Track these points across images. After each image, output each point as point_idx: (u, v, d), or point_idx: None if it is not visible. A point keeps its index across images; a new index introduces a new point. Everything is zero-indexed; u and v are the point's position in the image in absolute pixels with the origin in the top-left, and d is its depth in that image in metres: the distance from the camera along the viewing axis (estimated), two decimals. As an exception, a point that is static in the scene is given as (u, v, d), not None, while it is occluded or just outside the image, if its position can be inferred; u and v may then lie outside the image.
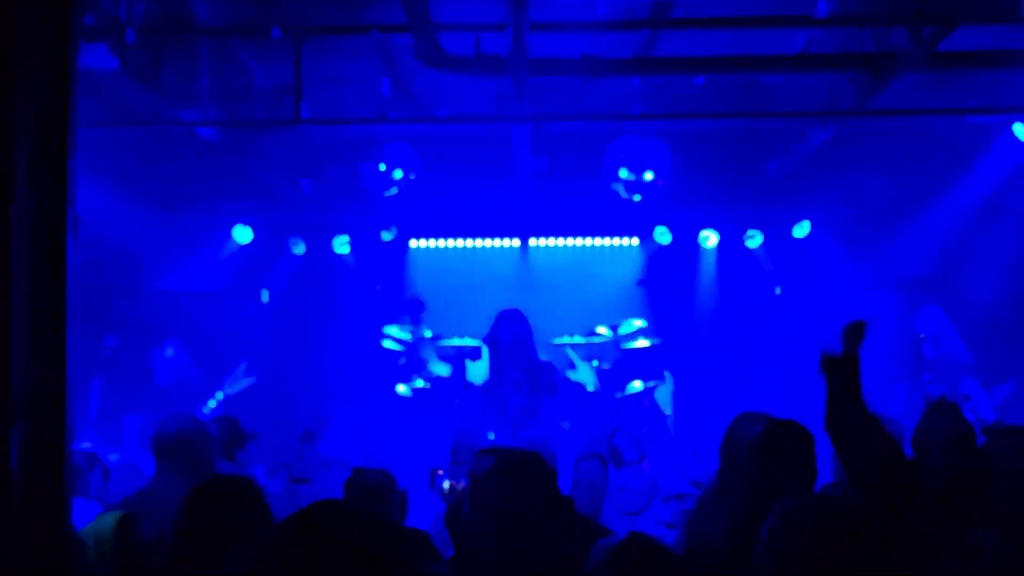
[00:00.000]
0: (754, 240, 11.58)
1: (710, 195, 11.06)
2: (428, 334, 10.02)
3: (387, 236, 11.11)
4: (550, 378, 8.62)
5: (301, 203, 10.72)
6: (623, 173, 10.52)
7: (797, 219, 11.43)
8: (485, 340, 8.59)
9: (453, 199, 10.75)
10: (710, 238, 11.54)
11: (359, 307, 11.11)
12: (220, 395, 8.98)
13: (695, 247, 11.58)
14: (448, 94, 8.77)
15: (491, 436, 7.80)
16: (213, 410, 8.81)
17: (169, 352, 9.69)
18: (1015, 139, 9.60)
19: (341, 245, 11.22)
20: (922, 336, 8.99)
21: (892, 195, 10.61)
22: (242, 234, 11.07)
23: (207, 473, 5.08)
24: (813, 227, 11.41)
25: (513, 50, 7.50)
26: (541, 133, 9.53)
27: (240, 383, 9.33)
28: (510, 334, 8.51)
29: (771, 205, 11.29)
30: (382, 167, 10.05)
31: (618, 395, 9.85)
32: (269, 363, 10.36)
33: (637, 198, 10.47)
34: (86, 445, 7.44)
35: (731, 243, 11.60)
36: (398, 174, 10.10)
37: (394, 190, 10.12)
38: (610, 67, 8.08)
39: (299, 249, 11.22)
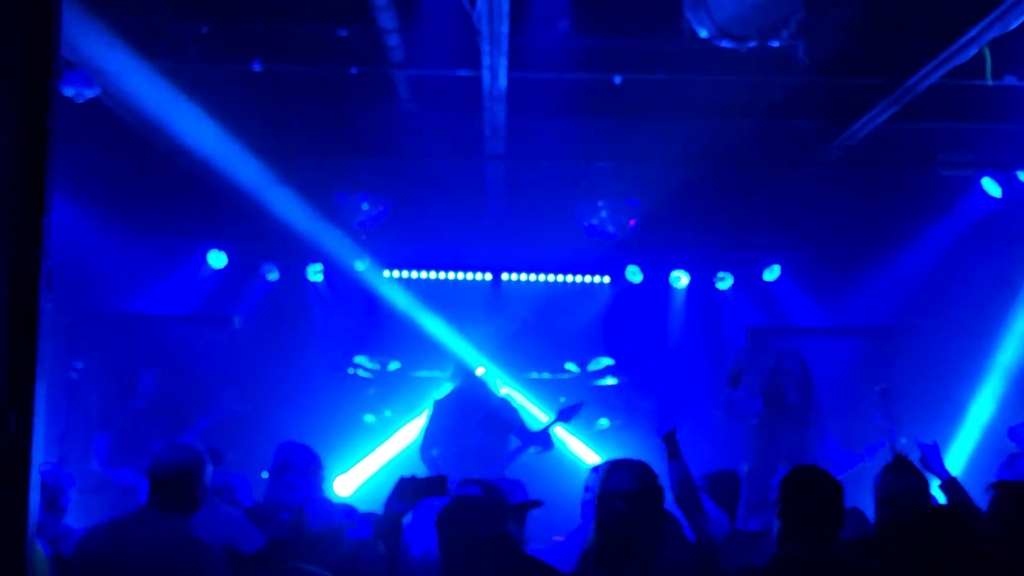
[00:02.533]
0: (724, 282, 11.69)
1: (682, 236, 11.15)
2: (396, 366, 10.09)
3: (361, 266, 11.16)
4: (512, 416, 8.70)
5: (275, 229, 10.75)
6: (595, 212, 10.68)
7: (768, 262, 11.55)
8: (452, 377, 8.68)
9: (427, 232, 10.82)
10: (681, 278, 11.63)
11: (331, 335, 11.14)
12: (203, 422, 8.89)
13: (666, 287, 11.66)
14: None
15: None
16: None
17: (146, 376, 9.68)
18: (984, 193, 9.75)
19: (315, 273, 11.27)
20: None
21: (860, 241, 10.75)
22: (216, 259, 11.10)
23: (197, 506, 5.12)
24: (782, 270, 11.53)
25: (488, 86, 7.61)
26: (515, 171, 9.63)
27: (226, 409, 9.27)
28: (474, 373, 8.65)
29: (742, 248, 11.41)
30: (357, 199, 10.14)
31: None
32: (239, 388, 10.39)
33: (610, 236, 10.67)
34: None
35: (701, 284, 11.70)
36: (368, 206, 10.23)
37: (367, 221, 10.22)
38: (582, 110, 8.21)
39: (272, 275, 11.25)
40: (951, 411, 10.03)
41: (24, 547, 2.73)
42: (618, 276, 11.57)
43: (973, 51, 7.23)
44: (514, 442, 8.59)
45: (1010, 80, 7.50)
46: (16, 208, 2.64)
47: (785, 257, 11.46)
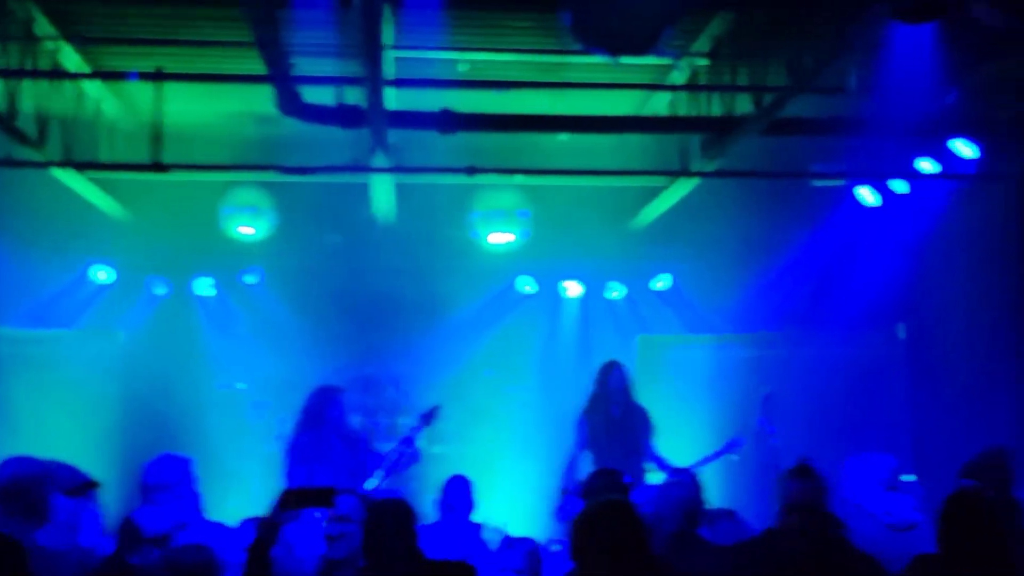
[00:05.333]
0: (616, 292, 11.86)
1: (573, 248, 11.29)
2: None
3: (250, 279, 11.12)
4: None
5: (163, 244, 10.69)
6: (486, 224, 10.81)
7: (658, 272, 11.76)
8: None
9: (311, 245, 10.84)
10: (571, 288, 11.77)
11: (219, 350, 11.08)
12: None
13: (556, 297, 11.80)
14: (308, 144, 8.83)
15: None
16: None
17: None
18: (859, 202, 10.04)
19: (204, 287, 11.19)
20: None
21: (743, 251, 10.99)
22: (99, 273, 10.96)
23: (43, 518, 5.07)
24: (673, 279, 11.75)
25: (370, 103, 7.66)
26: (404, 184, 9.68)
27: None
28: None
29: (635, 258, 11.60)
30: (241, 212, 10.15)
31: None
32: (123, 403, 10.30)
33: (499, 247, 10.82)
34: None
35: (594, 294, 11.86)
36: (257, 219, 10.24)
37: (253, 234, 10.23)
38: (468, 123, 8.29)
39: (160, 290, 11.15)
40: (831, 416, 10.35)
41: None
42: (510, 287, 11.68)
43: (838, 66, 7.51)
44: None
45: (876, 93, 7.74)
46: None
47: (674, 268, 11.69)
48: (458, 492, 7.31)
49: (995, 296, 9.36)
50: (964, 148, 8.74)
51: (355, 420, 9.87)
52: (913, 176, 9.30)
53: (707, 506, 6.67)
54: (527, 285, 11.65)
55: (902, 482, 6.88)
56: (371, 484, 8.24)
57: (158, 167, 8.27)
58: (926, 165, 9.11)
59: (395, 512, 5.20)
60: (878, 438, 9.88)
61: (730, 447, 9.26)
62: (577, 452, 9.29)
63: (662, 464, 9.13)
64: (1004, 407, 9.28)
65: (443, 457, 10.53)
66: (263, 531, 5.29)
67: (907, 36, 6.72)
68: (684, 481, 6.57)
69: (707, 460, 8.97)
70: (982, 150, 8.67)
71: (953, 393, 9.88)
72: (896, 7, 5.67)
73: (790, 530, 5.18)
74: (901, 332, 10.79)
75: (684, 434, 9.93)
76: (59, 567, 4.89)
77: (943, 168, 9.06)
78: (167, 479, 6.15)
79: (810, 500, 5.27)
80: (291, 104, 7.88)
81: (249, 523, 6.35)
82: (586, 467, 9.15)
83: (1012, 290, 9.22)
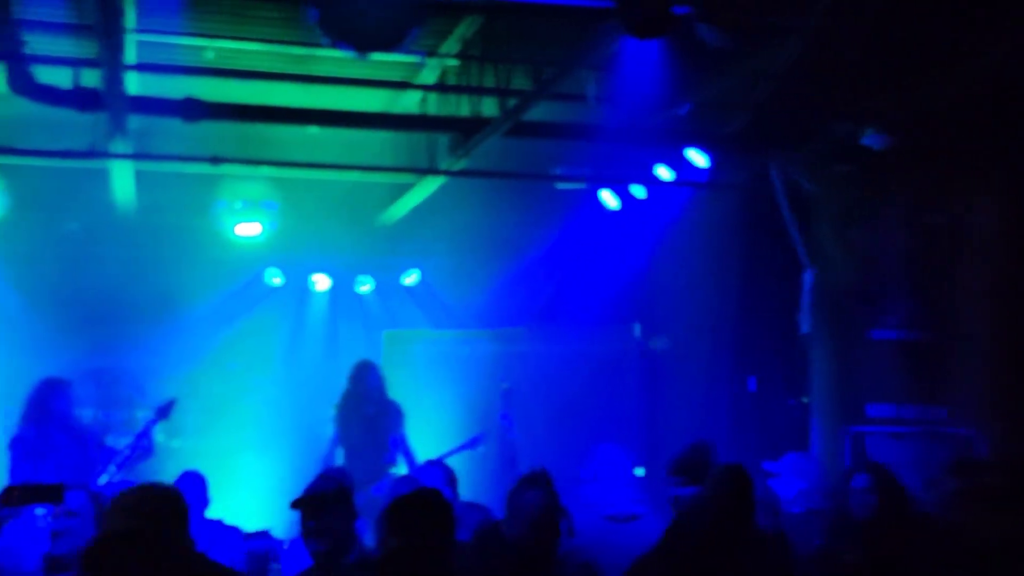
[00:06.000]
0: (365, 286, 11.91)
1: (322, 241, 11.26)
2: None
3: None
4: None
5: None
6: (231, 214, 10.65)
7: (407, 267, 11.88)
8: None
9: (46, 232, 10.40)
10: (319, 282, 11.74)
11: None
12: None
13: (304, 290, 11.75)
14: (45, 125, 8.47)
15: None
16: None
17: None
18: (598, 204, 10.42)
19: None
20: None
21: (490, 249, 11.25)
22: None
23: None
24: (422, 275, 11.90)
25: (109, 87, 7.43)
26: (146, 172, 9.41)
27: None
28: None
29: (383, 253, 11.68)
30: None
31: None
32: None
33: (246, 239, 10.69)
34: None
35: (342, 287, 11.87)
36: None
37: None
38: (213, 111, 8.15)
39: None
40: (570, 410, 10.73)
41: None
42: (258, 278, 11.55)
43: (578, 74, 7.81)
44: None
45: (614, 102, 8.08)
46: None
47: (422, 263, 11.85)
48: (190, 488, 7.19)
49: (719, 298, 9.92)
50: (697, 157, 9.21)
51: (88, 414, 9.59)
52: (651, 182, 9.74)
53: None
54: (275, 277, 11.55)
55: (629, 474, 7.22)
56: (103, 480, 8.01)
57: None
58: (663, 172, 9.55)
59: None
60: (613, 432, 10.30)
61: (473, 442, 9.51)
62: (333, 447, 9.65)
63: (411, 458, 9.33)
64: (723, 401, 9.88)
65: (181, 451, 10.33)
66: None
67: (641, 50, 7.06)
68: (413, 479, 6.71)
69: (450, 453, 9.17)
70: (712, 160, 9.16)
71: (683, 389, 10.41)
72: (626, 21, 5.96)
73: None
74: (637, 331, 11.27)
75: (429, 428, 10.10)
76: None
77: (678, 175, 9.52)
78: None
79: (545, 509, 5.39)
80: (23, 83, 7.53)
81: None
82: (339, 461, 9.38)
83: (735, 292, 9.80)
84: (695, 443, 5.99)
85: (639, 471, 8.75)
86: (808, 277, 9.05)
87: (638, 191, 9.97)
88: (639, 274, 10.82)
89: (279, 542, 6.97)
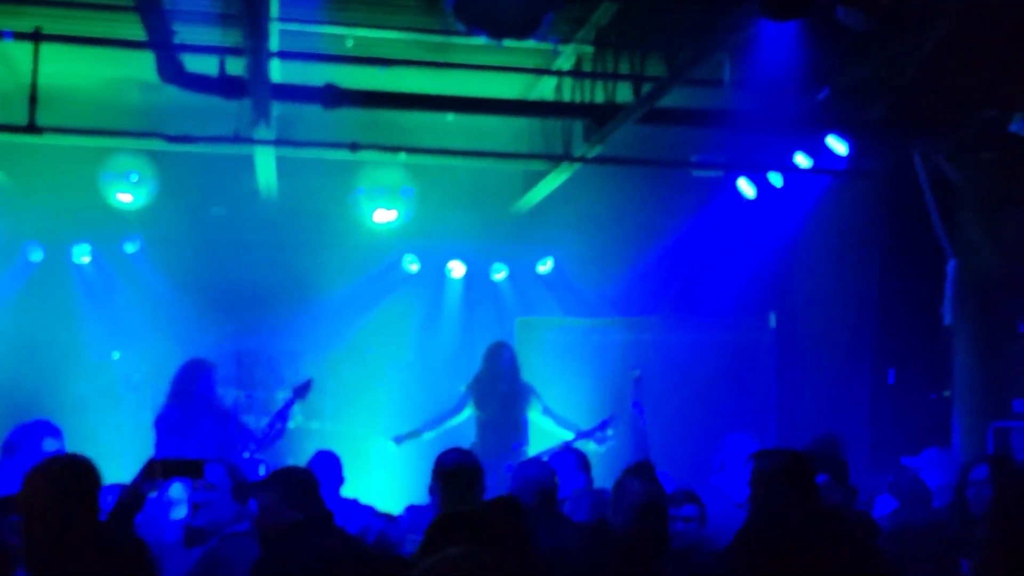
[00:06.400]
0: (499, 273, 11.99)
1: (458, 228, 11.37)
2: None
3: (130, 248, 10.99)
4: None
5: (40, 209, 10.51)
6: (370, 201, 10.85)
7: (541, 255, 11.91)
8: None
9: (193, 216, 10.74)
10: (454, 269, 11.86)
11: (94, 319, 10.92)
12: None
13: (440, 277, 11.88)
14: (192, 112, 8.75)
15: None
16: None
17: None
18: (738, 193, 10.29)
19: (80, 254, 11.01)
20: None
21: (626, 235, 11.21)
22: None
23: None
24: (555, 262, 11.93)
25: (253, 74, 7.63)
26: (287, 159, 9.64)
27: None
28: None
29: (518, 241, 11.73)
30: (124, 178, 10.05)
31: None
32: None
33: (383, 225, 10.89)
34: None
35: (477, 274, 11.97)
36: (138, 187, 10.16)
37: (132, 202, 10.14)
38: (353, 98, 8.31)
39: (35, 256, 10.93)
40: (702, 400, 10.64)
41: None
42: (396, 265, 11.72)
43: (714, 60, 7.72)
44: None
45: (750, 87, 7.97)
46: None
47: (556, 251, 11.86)
48: (324, 467, 7.35)
49: (859, 288, 9.70)
50: (836, 144, 9.02)
51: (230, 394, 9.88)
52: (788, 169, 9.57)
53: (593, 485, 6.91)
54: (412, 264, 11.71)
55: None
56: (244, 456, 8.25)
57: (33, 129, 8.12)
58: (801, 159, 9.39)
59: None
60: (746, 422, 10.17)
61: (601, 427, 9.49)
62: (448, 414, 9.98)
63: (565, 424, 9.65)
64: (862, 393, 9.66)
65: (319, 433, 10.56)
66: (127, 497, 5.34)
67: (778, 33, 6.95)
68: (538, 461, 6.74)
69: (579, 438, 9.21)
70: (852, 147, 8.96)
71: (817, 381, 10.23)
72: (763, 3, 5.86)
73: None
74: (772, 321, 11.10)
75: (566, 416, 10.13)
76: None
77: (816, 163, 9.34)
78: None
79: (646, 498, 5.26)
80: (172, 72, 7.82)
81: (107, 490, 6.34)
82: (470, 438, 9.51)
83: (874, 283, 9.57)
84: (822, 434, 5.88)
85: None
86: (951, 267, 8.79)
87: (775, 179, 9.83)
88: (775, 263, 10.66)
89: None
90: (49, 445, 6.43)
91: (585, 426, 9.53)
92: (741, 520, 6.03)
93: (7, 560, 4.45)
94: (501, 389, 9.93)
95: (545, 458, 7.52)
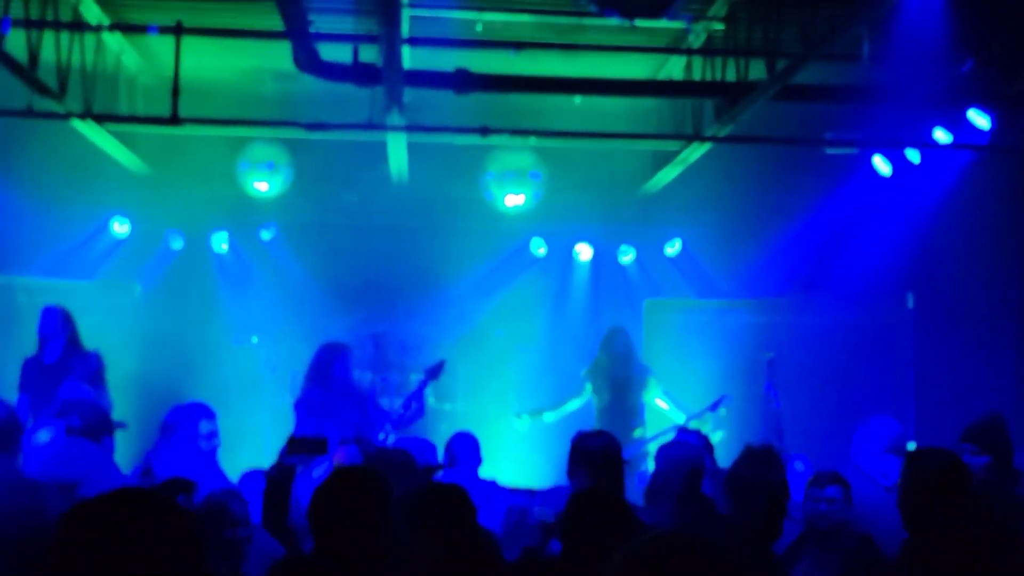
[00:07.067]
0: (627, 255, 11.94)
1: (585, 210, 11.35)
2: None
3: (266, 235, 11.25)
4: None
5: (181, 198, 10.82)
6: (499, 185, 10.91)
7: (669, 237, 11.82)
8: None
9: (326, 203, 10.95)
10: (582, 252, 11.85)
11: (233, 304, 11.22)
12: None
13: (568, 259, 11.88)
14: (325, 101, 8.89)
15: None
16: None
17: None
18: (870, 170, 10.07)
19: (219, 242, 11.31)
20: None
21: (754, 217, 11.06)
22: (118, 226, 11.10)
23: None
24: (683, 244, 11.82)
25: (386, 61, 7.72)
26: (417, 144, 9.74)
27: None
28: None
29: (645, 223, 11.66)
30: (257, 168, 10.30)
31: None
32: (139, 355, 10.44)
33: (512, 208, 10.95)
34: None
35: (605, 257, 11.94)
36: (274, 176, 10.41)
37: (269, 190, 10.39)
38: (483, 83, 8.34)
39: (176, 244, 11.27)
40: (837, 382, 10.45)
41: None
42: (523, 249, 11.76)
43: (851, 33, 7.52)
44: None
45: (889, 61, 7.76)
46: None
47: (685, 232, 11.76)
48: (464, 447, 7.43)
49: (1002, 268, 9.41)
50: (979, 118, 8.74)
51: (365, 377, 10.05)
52: (926, 145, 9.32)
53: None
54: (540, 247, 11.74)
55: (904, 447, 6.97)
56: (380, 438, 8.38)
57: (175, 121, 8.35)
58: (940, 135, 9.12)
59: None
60: (883, 405, 9.94)
61: (714, 406, 9.35)
62: (568, 398, 10.24)
63: (683, 408, 9.67)
64: (1007, 378, 9.37)
65: (452, 414, 10.69)
66: (279, 475, 5.49)
67: (920, 4, 6.75)
68: (685, 441, 6.67)
69: (693, 417, 9.16)
70: (995, 121, 8.67)
71: (958, 363, 9.95)
72: (907, -26, 5.70)
73: None
74: (910, 301, 10.85)
75: (690, 397, 10.05)
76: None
77: (956, 138, 9.06)
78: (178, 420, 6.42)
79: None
80: (308, 61, 7.96)
81: (249, 476, 6.55)
82: (590, 423, 9.54)
83: (1017, 262, 9.27)
84: (991, 412, 5.71)
85: (911, 445, 8.42)
86: (1100, 245, 8.47)
87: (913, 155, 9.57)
88: (913, 243, 10.39)
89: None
90: (204, 427, 6.63)
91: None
92: (886, 502, 5.92)
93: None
94: (615, 375, 10.01)
95: (659, 442, 7.48)
